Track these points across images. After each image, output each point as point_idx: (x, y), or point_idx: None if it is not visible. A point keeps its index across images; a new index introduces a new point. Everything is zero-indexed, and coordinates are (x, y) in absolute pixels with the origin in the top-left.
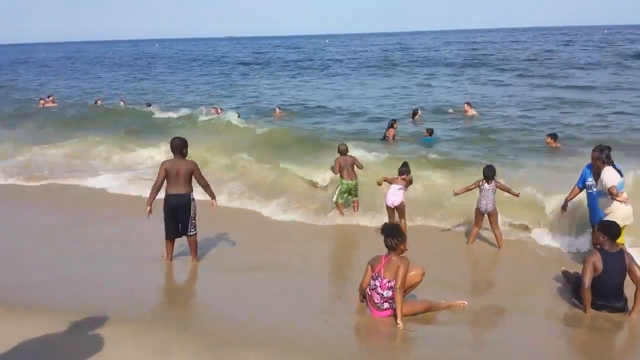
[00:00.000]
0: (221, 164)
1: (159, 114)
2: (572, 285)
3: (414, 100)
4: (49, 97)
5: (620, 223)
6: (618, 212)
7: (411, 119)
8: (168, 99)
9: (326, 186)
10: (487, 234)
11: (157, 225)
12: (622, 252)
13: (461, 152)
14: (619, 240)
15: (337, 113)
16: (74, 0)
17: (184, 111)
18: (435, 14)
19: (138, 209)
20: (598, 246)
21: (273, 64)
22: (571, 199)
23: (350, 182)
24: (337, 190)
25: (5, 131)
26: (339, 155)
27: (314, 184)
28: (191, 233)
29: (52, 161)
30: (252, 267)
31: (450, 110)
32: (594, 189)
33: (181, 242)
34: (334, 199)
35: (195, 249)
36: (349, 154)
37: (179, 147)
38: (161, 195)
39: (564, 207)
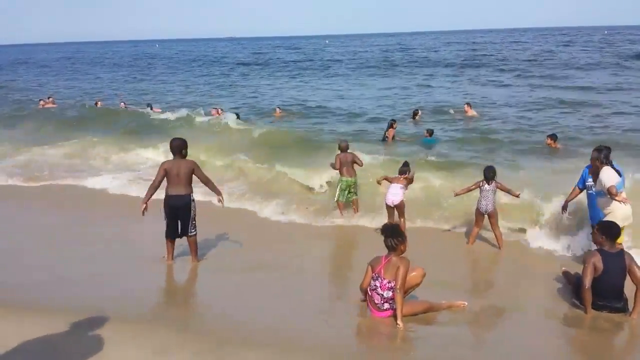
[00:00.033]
0: (220, 165)
1: (159, 115)
2: (572, 286)
3: (413, 101)
4: (48, 98)
5: (620, 223)
6: (617, 212)
7: (412, 119)
8: (168, 100)
9: (324, 191)
10: (488, 234)
11: (157, 225)
12: (622, 253)
13: (461, 152)
14: (618, 241)
15: (337, 113)
16: (74, 1)
17: (184, 112)
18: (436, 14)
19: (138, 209)
20: (598, 246)
21: (273, 64)
22: (571, 200)
23: (349, 179)
24: (338, 188)
25: (5, 132)
26: (339, 151)
27: (309, 189)
28: (191, 234)
29: (52, 161)
30: (252, 267)
31: (452, 111)
32: (594, 190)
33: (181, 242)
34: (335, 198)
35: (195, 250)
36: (349, 150)
37: (179, 148)
38: (161, 195)
39: (564, 208)
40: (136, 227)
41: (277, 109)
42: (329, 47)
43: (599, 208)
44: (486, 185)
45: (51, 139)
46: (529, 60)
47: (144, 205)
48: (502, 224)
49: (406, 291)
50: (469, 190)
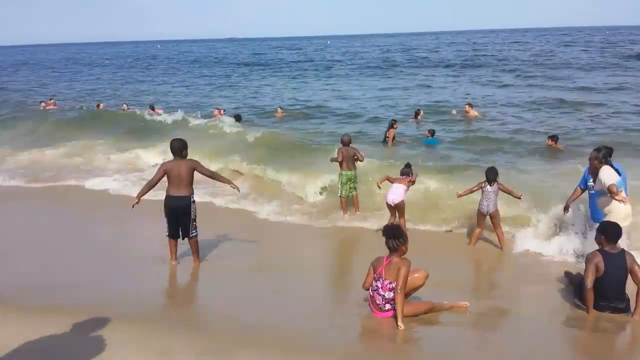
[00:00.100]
0: (219, 166)
1: (160, 117)
2: (574, 286)
3: (414, 101)
4: (50, 99)
5: (620, 223)
6: (617, 212)
7: (414, 119)
8: (169, 100)
9: (322, 196)
10: (489, 235)
11: (158, 226)
12: (623, 253)
13: (462, 153)
14: None
15: (338, 114)
16: (75, 2)
17: (184, 113)
18: (436, 15)
19: (140, 210)
20: (599, 247)
21: (274, 65)
22: (573, 200)
23: (349, 172)
24: (339, 182)
25: (6, 132)
26: (341, 145)
27: (300, 198)
28: (192, 235)
29: (52, 163)
30: (254, 268)
31: (454, 112)
32: (594, 189)
33: (182, 243)
34: (339, 194)
35: (196, 250)
36: (351, 145)
37: (179, 149)
38: (162, 196)
39: (566, 208)
40: (138, 228)
41: (279, 109)
42: (330, 48)
43: (599, 208)
44: (488, 187)
45: (52, 140)
46: (530, 61)
47: (137, 200)
48: (504, 225)
49: (408, 293)
50: (472, 191)
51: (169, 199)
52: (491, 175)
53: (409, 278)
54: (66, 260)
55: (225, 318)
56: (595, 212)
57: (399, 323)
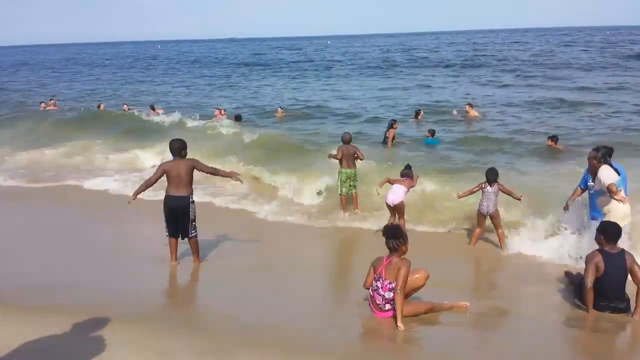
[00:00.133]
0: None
1: (159, 117)
2: (574, 286)
3: (414, 101)
4: (50, 100)
5: (620, 222)
6: (616, 212)
7: (414, 119)
8: (169, 100)
9: (317, 201)
10: (489, 235)
11: (158, 226)
12: (622, 253)
13: (462, 154)
14: None
15: (338, 114)
16: (75, 2)
17: (184, 113)
18: (436, 15)
19: (140, 210)
20: (599, 247)
21: (274, 65)
22: (574, 200)
23: (348, 170)
24: (338, 180)
25: (5, 132)
26: (342, 143)
27: (295, 202)
28: (192, 235)
29: (52, 163)
30: (254, 268)
31: (455, 112)
32: (594, 189)
33: (182, 243)
34: (339, 191)
35: (196, 251)
36: (351, 143)
37: (179, 149)
38: (161, 196)
39: (566, 208)
40: (138, 228)
41: (279, 109)
42: (330, 48)
43: (598, 207)
44: (488, 187)
45: (52, 140)
46: (530, 61)
47: (133, 197)
48: (505, 226)
49: (408, 293)
50: (472, 192)
51: (168, 198)
52: (491, 176)
53: (409, 278)
54: (66, 260)
55: (225, 318)
56: (594, 212)
57: (399, 324)
